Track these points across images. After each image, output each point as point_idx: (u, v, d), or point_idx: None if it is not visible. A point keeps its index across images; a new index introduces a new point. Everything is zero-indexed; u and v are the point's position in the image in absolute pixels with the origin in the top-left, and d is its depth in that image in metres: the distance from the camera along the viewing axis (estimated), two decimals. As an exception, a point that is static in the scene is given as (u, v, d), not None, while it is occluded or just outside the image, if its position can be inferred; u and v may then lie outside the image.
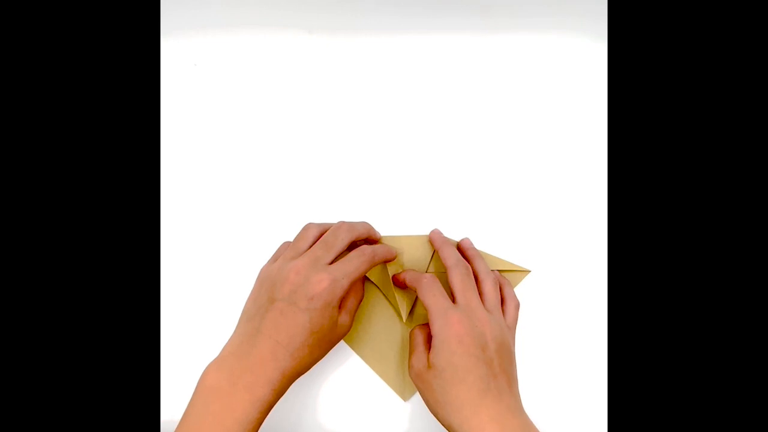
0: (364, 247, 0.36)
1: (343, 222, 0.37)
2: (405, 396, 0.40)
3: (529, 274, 0.42)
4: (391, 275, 0.39)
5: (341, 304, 0.34)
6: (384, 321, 0.41)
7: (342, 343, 0.40)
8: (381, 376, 0.40)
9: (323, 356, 0.34)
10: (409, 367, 0.34)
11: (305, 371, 0.33)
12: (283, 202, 0.44)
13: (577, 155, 0.45)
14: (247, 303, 0.35)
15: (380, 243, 0.40)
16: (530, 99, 0.46)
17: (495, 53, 0.47)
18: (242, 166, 0.44)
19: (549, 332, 0.41)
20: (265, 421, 0.31)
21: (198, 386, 0.31)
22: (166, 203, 0.43)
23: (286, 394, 0.33)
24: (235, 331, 0.34)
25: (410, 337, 0.36)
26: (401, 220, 0.43)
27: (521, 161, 0.45)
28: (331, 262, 0.34)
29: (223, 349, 0.33)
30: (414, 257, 0.41)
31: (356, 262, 0.34)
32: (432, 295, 0.34)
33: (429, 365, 0.32)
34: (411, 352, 0.35)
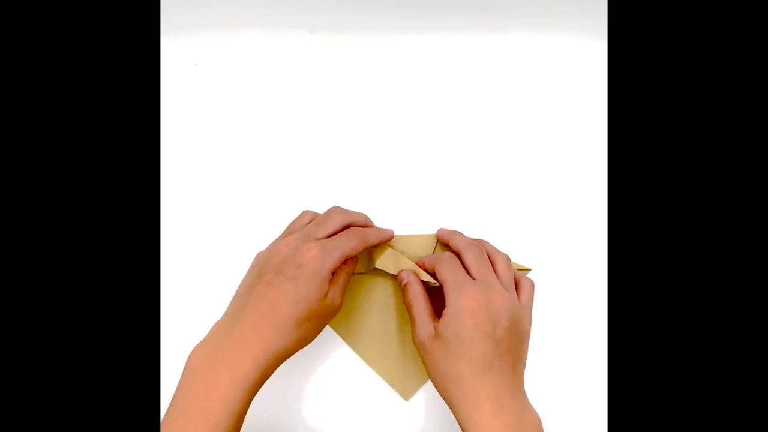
0: (356, 228, 0.35)
1: (338, 206, 0.37)
2: (406, 396, 0.40)
3: (529, 273, 0.42)
4: (393, 272, 0.39)
5: (332, 279, 0.33)
6: (384, 320, 0.41)
7: (342, 343, 0.40)
8: (382, 375, 0.40)
9: (313, 335, 0.33)
10: (412, 336, 0.34)
11: (294, 349, 0.31)
12: (283, 202, 0.44)
13: (577, 154, 0.45)
14: (239, 285, 0.34)
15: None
16: (530, 98, 0.46)
17: (495, 53, 0.47)
18: (243, 166, 0.44)
19: (549, 331, 0.41)
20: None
21: (183, 369, 0.30)
22: (167, 203, 0.43)
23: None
24: (224, 312, 0.33)
25: (407, 308, 0.35)
26: (402, 220, 0.43)
27: (521, 160, 0.45)
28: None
29: (209, 330, 0.32)
30: (417, 256, 0.41)
31: (345, 238, 0.33)
32: (449, 269, 0.33)
33: (436, 334, 0.32)
34: (413, 322, 0.34)
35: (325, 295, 0.32)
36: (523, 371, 0.33)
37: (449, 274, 0.33)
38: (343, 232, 0.34)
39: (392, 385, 0.40)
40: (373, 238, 0.36)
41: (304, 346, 0.32)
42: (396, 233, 0.42)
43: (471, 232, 0.42)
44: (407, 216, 0.43)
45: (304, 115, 0.46)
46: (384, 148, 0.45)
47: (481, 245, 0.36)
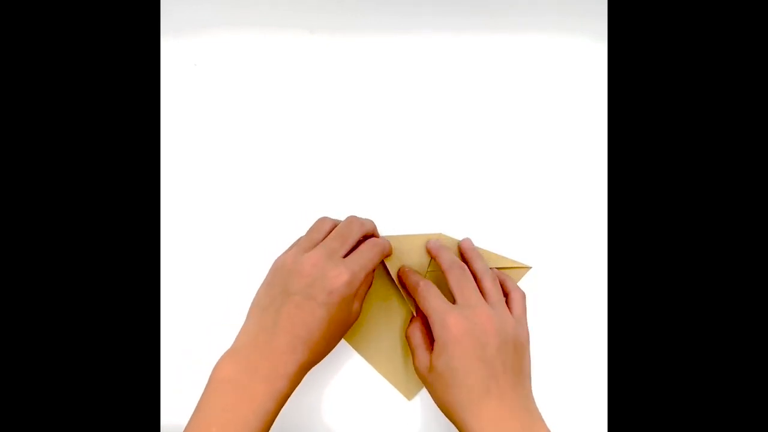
0: (374, 240, 0.36)
1: (354, 216, 0.37)
2: (409, 395, 0.40)
3: (530, 272, 0.42)
4: (394, 273, 0.39)
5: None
6: (387, 320, 0.41)
7: (344, 343, 0.40)
8: (384, 375, 0.40)
9: (336, 344, 0.34)
10: (414, 368, 0.35)
11: (320, 361, 0.33)
12: (283, 202, 0.44)
13: (578, 154, 0.45)
14: (259, 293, 0.34)
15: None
16: (531, 98, 0.46)
17: (496, 53, 0.47)
18: (243, 166, 0.44)
19: (549, 330, 0.41)
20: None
21: (212, 378, 0.30)
22: (166, 203, 0.43)
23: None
24: (247, 322, 0.33)
25: (407, 338, 0.36)
26: (402, 220, 0.43)
27: (522, 160, 0.45)
28: (345, 255, 0.34)
29: (236, 341, 0.32)
30: (416, 256, 0.41)
31: (370, 254, 0.34)
32: (429, 300, 0.34)
33: (431, 367, 0.32)
34: (412, 354, 0.35)
35: (351, 312, 0.34)
36: (528, 384, 0.33)
37: (430, 305, 0.33)
38: (365, 246, 0.35)
39: (395, 385, 0.40)
40: (388, 249, 0.36)
41: (329, 353, 0.34)
42: (397, 233, 0.42)
43: (472, 230, 0.42)
44: (408, 216, 0.43)
45: (303, 115, 0.46)
46: (384, 147, 0.45)
47: (463, 265, 0.36)
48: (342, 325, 0.33)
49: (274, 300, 0.32)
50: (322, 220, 0.37)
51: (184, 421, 0.39)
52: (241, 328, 0.33)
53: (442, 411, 0.33)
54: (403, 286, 0.38)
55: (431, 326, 0.33)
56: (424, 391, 0.40)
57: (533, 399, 0.33)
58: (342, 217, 0.44)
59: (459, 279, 0.35)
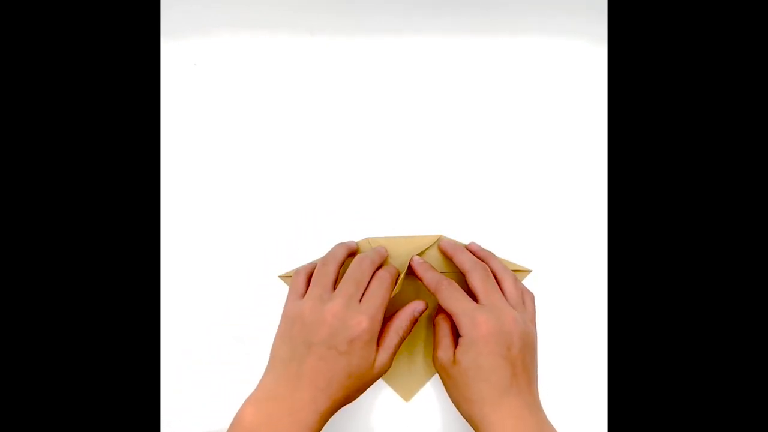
0: (382, 275, 0.36)
1: (363, 256, 0.37)
2: (407, 397, 0.40)
3: (530, 274, 0.42)
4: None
5: (378, 341, 0.34)
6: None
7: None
8: (383, 376, 0.40)
9: (358, 396, 0.34)
10: (434, 358, 0.35)
11: (338, 410, 0.33)
12: (283, 202, 0.44)
13: (578, 157, 0.45)
14: (276, 342, 0.34)
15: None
16: (531, 101, 0.46)
17: (496, 55, 0.47)
18: (242, 167, 0.44)
19: (549, 332, 0.41)
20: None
21: (235, 424, 0.31)
22: (166, 203, 0.43)
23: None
24: (269, 372, 0.33)
25: (435, 326, 0.36)
26: (403, 221, 0.43)
27: (522, 162, 0.45)
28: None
29: (259, 389, 0.33)
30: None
31: (381, 292, 0.34)
32: (455, 300, 0.34)
33: (455, 361, 0.33)
34: (437, 344, 0.35)
35: (374, 362, 0.33)
36: (537, 387, 0.34)
37: (457, 305, 0.34)
38: (373, 285, 0.35)
39: (393, 386, 0.40)
40: (395, 274, 0.36)
41: (350, 404, 0.34)
42: (397, 234, 0.42)
43: (472, 232, 0.42)
44: (409, 217, 0.43)
45: (303, 116, 0.46)
46: (384, 149, 0.45)
47: (485, 267, 0.36)
48: (363, 376, 0.33)
49: (295, 352, 0.32)
50: (325, 263, 0.37)
51: (184, 421, 0.39)
52: (263, 377, 0.33)
53: (457, 406, 0.33)
54: (414, 273, 0.39)
55: (458, 324, 0.33)
56: (423, 392, 0.40)
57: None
58: (341, 220, 0.44)
59: (483, 280, 0.35)
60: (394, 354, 0.35)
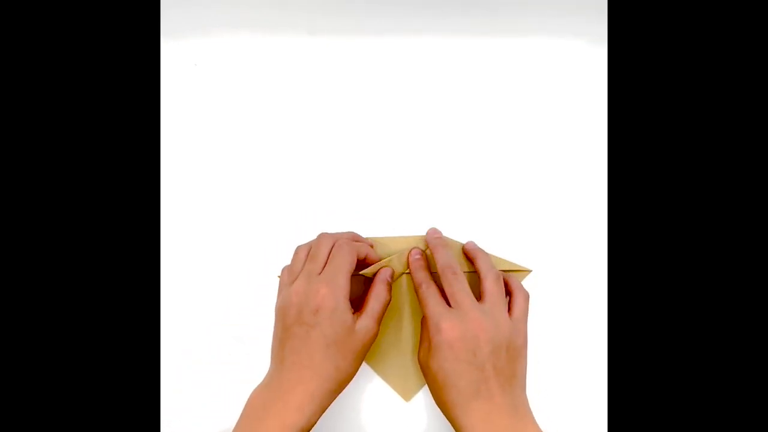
0: (339, 243, 0.35)
1: (324, 233, 0.37)
2: (407, 396, 0.40)
3: (530, 274, 0.42)
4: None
5: (361, 307, 0.34)
6: (385, 322, 0.40)
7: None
8: (382, 376, 0.40)
9: (354, 369, 0.34)
10: (418, 356, 0.35)
11: (338, 390, 0.33)
12: (283, 202, 0.44)
13: (578, 157, 0.45)
14: (272, 338, 0.35)
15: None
16: (531, 102, 0.46)
17: (496, 55, 0.47)
18: (242, 167, 0.44)
19: (549, 332, 0.41)
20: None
21: (241, 415, 0.32)
22: (166, 203, 0.43)
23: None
24: (270, 364, 0.34)
25: (421, 325, 0.36)
26: (403, 221, 0.43)
27: (522, 163, 0.45)
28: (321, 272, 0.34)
29: (262, 381, 0.34)
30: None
31: (338, 260, 0.34)
32: (428, 303, 0.34)
33: (428, 365, 0.33)
34: (420, 343, 0.35)
35: (352, 328, 0.33)
36: (521, 388, 0.33)
37: (427, 309, 0.34)
38: (332, 254, 0.35)
39: (393, 386, 0.40)
40: (361, 249, 0.36)
41: (348, 383, 0.34)
42: (397, 234, 0.42)
43: (473, 232, 0.42)
44: (409, 217, 0.43)
45: (303, 116, 0.46)
46: (384, 149, 0.45)
47: (456, 267, 0.36)
48: (344, 343, 0.32)
49: (279, 340, 0.33)
50: (297, 251, 0.37)
51: (184, 421, 0.39)
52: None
53: (437, 404, 0.34)
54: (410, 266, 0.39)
55: (428, 328, 0.34)
56: (423, 392, 0.40)
57: (526, 400, 0.33)
58: (340, 220, 0.44)
59: (451, 282, 0.35)
60: (379, 319, 0.35)
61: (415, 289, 0.37)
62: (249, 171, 0.44)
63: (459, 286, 0.35)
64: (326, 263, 0.35)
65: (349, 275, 0.34)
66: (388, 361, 0.40)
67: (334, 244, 0.36)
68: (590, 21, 0.47)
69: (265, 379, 0.34)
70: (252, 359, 0.39)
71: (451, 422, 0.32)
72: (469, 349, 0.32)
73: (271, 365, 0.34)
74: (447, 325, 0.32)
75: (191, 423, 0.39)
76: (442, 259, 0.37)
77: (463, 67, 0.47)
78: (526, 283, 0.42)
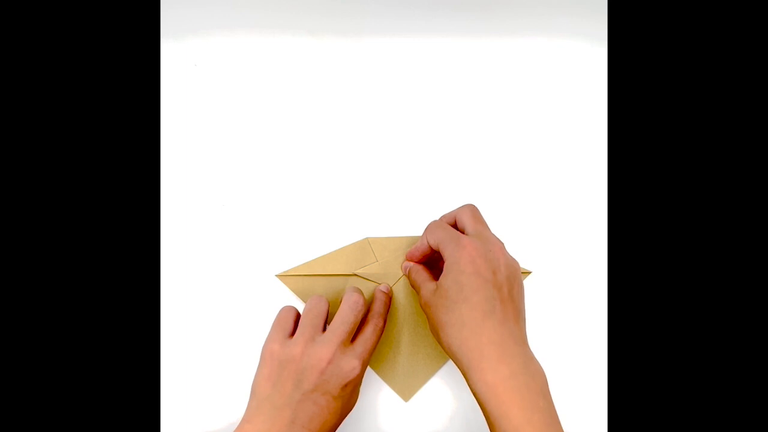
0: (377, 321, 0.36)
1: (357, 299, 0.35)
2: (406, 396, 0.40)
3: (530, 275, 0.42)
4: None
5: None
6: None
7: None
8: (382, 376, 0.40)
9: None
10: (419, 301, 0.34)
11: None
12: (283, 202, 0.44)
13: (578, 158, 0.45)
14: (260, 382, 0.33)
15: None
16: (531, 102, 0.46)
17: (496, 56, 0.47)
18: (242, 167, 0.44)
19: (549, 332, 0.41)
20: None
21: None
22: (166, 204, 0.43)
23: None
24: (258, 414, 0.32)
25: (409, 278, 0.36)
26: (402, 221, 0.43)
27: (523, 163, 0.45)
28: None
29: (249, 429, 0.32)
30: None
31: (374, 339, 0.35)
32: (440, 229, 0.33)
33: (437, 288, 0.32)
34: (417, 291, 0.34)
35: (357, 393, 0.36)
36: (524, 326, 0.32)
37: (442, 233, 0.33)
38: (367, 330, 0.35)
39: (393, 386, 0.40)
40: (363, 303, 0.35)
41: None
42: (397, 235, 0.42)
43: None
44: (409, 217, 0.43)
45: (303, 116, 0.46)
46: (384, 149, 0.45)
47: (474, 206, 0.36)
48: (349, 409, 0.35)
49: (289, 398, 0.31)
50: (316, 301, 0.35)
51: (184, 421, 0.39)
52: (252, 417, 0.32)
53: (438, 337, 0.32)
54: (406, 275, 0.39)
55: (443, 250, 0.32)
56: (422, 393, 0.40)
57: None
58: (340, 220, 0.44)
59: (473, 213, 0.34)
60: (366, 362, 0.35)
61: (417, 251, 0.36)
62: (249, 171, 0.44)
63: (479, 218, 0.35)
64: (359, 333, 0.35)
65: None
66: (387, 362, 0.40)
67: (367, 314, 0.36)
68: (590, 21, 0.47)
69: (253, 428, 0.31)
70: (252, 359, 0.39)
71: (452, 350, 0.30)
72: (489, 268, 0.30)
73: (262, 418, 0.31)
74: (468, 241, 0.31)
75: (191, 423, 0.39)
76: (456, 209, 0.36)
77: (463, 67, 0.47)
78: (526, 284, 0.42)
